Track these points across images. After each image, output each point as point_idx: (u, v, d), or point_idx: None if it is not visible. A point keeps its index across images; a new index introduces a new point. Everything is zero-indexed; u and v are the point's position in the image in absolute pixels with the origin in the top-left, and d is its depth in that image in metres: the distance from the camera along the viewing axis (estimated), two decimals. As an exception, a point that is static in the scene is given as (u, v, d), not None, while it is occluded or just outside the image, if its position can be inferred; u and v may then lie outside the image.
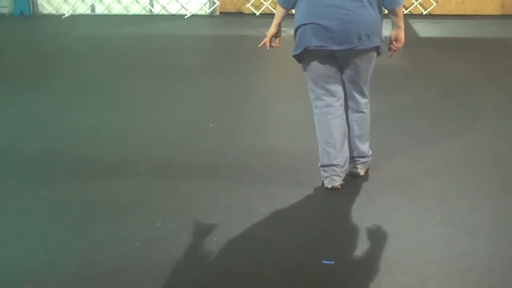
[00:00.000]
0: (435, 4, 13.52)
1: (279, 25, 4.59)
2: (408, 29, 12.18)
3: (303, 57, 4.46)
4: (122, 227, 4.11)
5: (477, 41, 11.16)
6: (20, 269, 3.64)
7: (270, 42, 4.61)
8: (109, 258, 3.73)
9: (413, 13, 13.63)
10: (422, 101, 6.99)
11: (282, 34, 4.61)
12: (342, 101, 4.58)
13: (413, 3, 13.59)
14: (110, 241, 3.92)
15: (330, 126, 4.54)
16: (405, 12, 13.58)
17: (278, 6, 4.56)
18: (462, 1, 13.75)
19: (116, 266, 3.64)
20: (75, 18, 13.90)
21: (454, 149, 5.46)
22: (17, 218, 4.29)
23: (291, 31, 4.47)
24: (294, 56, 4.50)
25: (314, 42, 4.33)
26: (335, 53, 4.38)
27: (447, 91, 7.44)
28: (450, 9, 13.73)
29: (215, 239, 3.90)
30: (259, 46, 4.69)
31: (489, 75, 8.31)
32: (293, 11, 4.52)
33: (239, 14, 13.80)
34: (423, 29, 12.26)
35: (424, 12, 13.57)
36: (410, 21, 12.97)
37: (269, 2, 13.39)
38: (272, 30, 4.59)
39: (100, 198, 4.58)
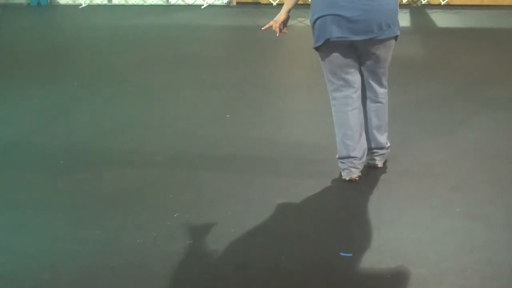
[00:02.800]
0: (453, -6, 13.40)
1: (289, 12, 4.56)
2: (426, 20, 12.11)
3: (322, 48, 4.42)
4: (139, 217, 4.13)
5: (495, 31, 11.05)
6: (38, 259, 3.67)
7: (280, 28, 4.57)
8: (126, 249, 3.75)
9: (431, 3, 13.51)
10: (440, 93, 6.93)
11: (298, 24, 4.57)
12: (359, 92, 4.55)
13: (431, -7, 13.47)
14: (127, 232, 3.94)
15: (348, 118, 4.51)
16: (423, 2, 13.49)
17: None
18: (481, -9, 13.61)
19: (133, 257, 3.66)
20: (92, 8, 13.90)
21: (471, 141, 5.41)
22: (35, 209, 4.31)
23: (307, 21, 4.43)
24: (315, 48, 4.47)
25: (335, 33, 4.30)
26: (355, 43, 4.35)
27: (465, 83, 7.36)
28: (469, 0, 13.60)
29: (232, 230, 3.90)
30: (262, 29, 4.68)
31: (505, 66, 8.23)
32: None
33: (256, 4, 13.72)
34: (441, 20, 12.15)
35: (443, 2, 13.44)
36: (428, 11, 12.87)
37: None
38: (282, 16, 4.55)
39: (117, 188, 4.59)
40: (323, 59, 4.51)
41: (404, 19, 11.94)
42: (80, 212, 4.24)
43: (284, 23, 4.62)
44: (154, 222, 4.04)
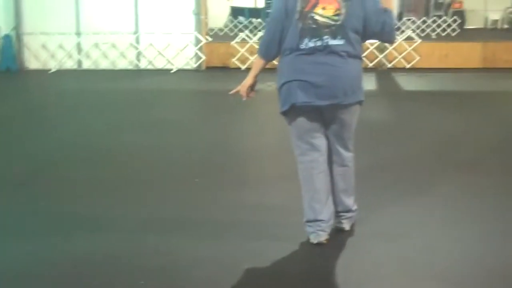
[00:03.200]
0: (418, 58, 13.71)
1: (256, 77, 4.65)
2: (392, 83, 12.36)
3: (289, 112, 4.50)
4: (107, 285, 4.07)
5: (459, 94, 11.32)
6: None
7: (247, 93, 4.65)
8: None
9: (397, 66, 13.81)
10: (406, 155, 7.04)
11: (267, 88, 4.65)
12: (326, 156, 4.61)
13: (396, 57, 13.78)
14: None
15: (315, 181, 4.56)
16: (389, 66, 13.78)
17: (258, 58, 4.64)
18: (445, 55, 13.97)
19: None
20: (62, 73, 13.98)
21: (438, 203, 5.48)
22: None
23: (275, 85, 4.52)
24: (281, 113, 4.54)
25: (300, 98, 4.39)
26: (320, 108, 4.43)
27: (430, 145, 7.50)
28: (433, 63, 13.94)
29: (200, 297, 3.88)
30: (230, 93, 4.74)
31: (471, 128, 8.41)
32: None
33: (225, 68, 13.94)
34: (407, 83, 12.43)
35: (408, 66, 13.75)
36: (394, 74, 13.15)
37: (254, 56, 13.49)
38: (248, 81, 4.63)
39: (84, 255, 4.53)
40: (289, 124, 4.58)
41: (370, 83, 12.17)
42: (46, 279, 4.18)
43: (251, 87, 4.69)
44: (123, 289, 4.00)
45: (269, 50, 4.56)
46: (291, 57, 4.43)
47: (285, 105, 4.46)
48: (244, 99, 4.71)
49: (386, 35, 4.56)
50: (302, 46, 4.36)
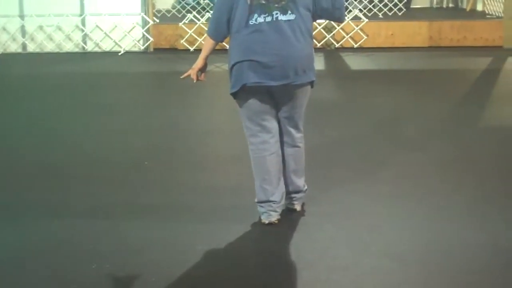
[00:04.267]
0: (365, 37, 13.82)
1: (206, 59, 4.62)
2: (340, 62, 12.44)
3: (239, 94, 4.49)
4: (57, 269, 4.04)
5: (406, 72, 11.46)
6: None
7: (197, 76, 4.62)
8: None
9: (345, 46, 13.89)
10: (355, 133, 7.11)
11: (216, 69, 4.62)
12: (277, 137, 4.62)
13: (344, 37, 13.86)
14: (44, 285, 3.84)
15: (266, 163, 4.57)
16: (337, 45, 13.85)
17: (207, 38, 4.59)
18: (392, 34, 14.11)
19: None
20: (6, 57, 13.69)
21: (388, 181, 5.56)
22: None
23: (224, 67, 4.49)
24: (232, 94, 4.53)
25: (251, 79, 4.38)
26: (271, 89, 4.43)
27: (380, 123, 7.59)
28: (380, 42, 14.07)
29: (153, 279, 3.86)
30: (181, 77, 4.72)
31: (418, 106, 8.53)
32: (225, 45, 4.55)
33: (173, 50, 13.83)
34: (355, 62, 12.53)
35: (355, 46, 13.84)
36: (342, 54, 13.23)
37: (203, 37, 13.44)
38: (199, 63, 4.60)
39: (34, 241, 4.47)
40: (240, 106, 4.57)
41: (318, 62, 12.22)
42: (-3, 266, 4.13)
43: (202, 70, 4.66)
44: (72, 275, 3.95)
45: (218, 30, 4.52)
46: (241, 36, 4.40)
47: (236, 86, 4.45)
48: (195, 81, 4.68)
49: (337, 12, 4.52)
50: (252, 22, 4.32)
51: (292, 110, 4.56)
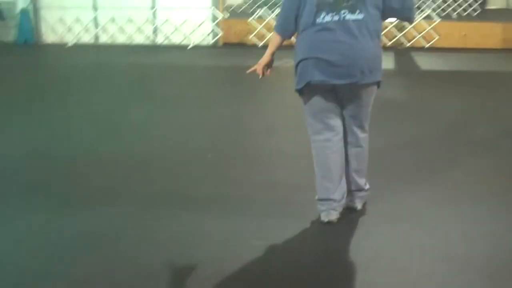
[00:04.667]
0: (437, 37, 13.55)
1: (273, 54, 4.58)
2: (410, 62, 12.23)
3: (304, 91, 4.44)
4: (114, 256, 4.08)
5: (478, 74, 11.17)
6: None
7: (263, 71, 4.59)
8: (100, 290, 3.69)
9: (416, 45, 13.66)
10: (421, 134, 6.96)
11: (285, 65, 4.56)
12: (341, 135, 4.54)
13: (415, 36, 13.63)
14: (101, 271, 3.88)
15: (328, 161, 4.50)
16: (408, 45, 13.64)
17: (275, 35, 4.56)
18: (464, 35, 13.80)
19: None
20: (79, 48, 13.96)
21: (450, 183, 5.42)
22: (7, 244, 4.25)
23: (292, 63, 4.45)
24: (296, 90, 4.49)
25: (316, 77, 4.32)
26: (336, 88, 4.36)
27: (447, 125, 7.41)
28: (452, 43, 13.77)
29: (207, 273, 3.84)
30: (247, 72, 4.70)
31: (489, 108, 8.30)
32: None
33: (242, 45, 13.84)
34: (425, 62, 12.29)
35: (426, 45, 13.59)
36: (412, 53, 13.00)
37: (272, 33, 13.41)
38: (265, 59, 4.57)
39: (95, 225, 4.53)
40: (304, 102, 4.52)
41: (388, 61, 12.05)
42: (56, 248, 4.18)
43: (268, 65, 4.63)
44: (129, 261, 3.98)
45: (286, 26, 4.49)
46: (308, 34, 4.34)
47: (301, 83, 4.40)
48: (260, 77, 4.66)
49: (406, 12, 4.44)
50: (319, 20, 4.27)
51: (357, 109, 4.47)
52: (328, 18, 4.24)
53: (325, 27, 4.25)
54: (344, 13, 4.23)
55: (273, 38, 4.60)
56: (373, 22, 4.29)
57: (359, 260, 4.03)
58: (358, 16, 4.24)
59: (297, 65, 4.40)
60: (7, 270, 3.91)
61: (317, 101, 4.43)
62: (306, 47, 4.34)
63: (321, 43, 4.27)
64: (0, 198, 5.14)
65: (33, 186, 5.35)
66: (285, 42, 4.59)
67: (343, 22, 4.23)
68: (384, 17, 4.44)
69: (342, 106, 4.47)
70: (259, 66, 4.60)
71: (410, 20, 4.67)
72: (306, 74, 4.34)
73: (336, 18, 4.24)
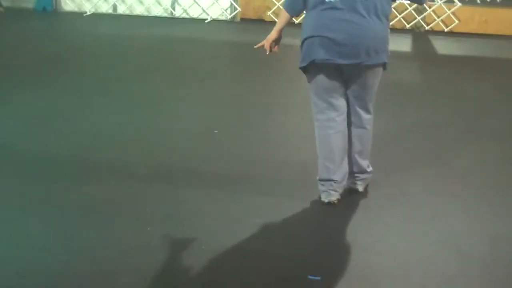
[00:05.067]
0: (457, 22, 13.38)
1: (281, 31, 4.58)
2: (428, 46, 12.10)
3: (309, 69, 4.42)
4: (112, 230, 4.10)
5: (496, 61, 11.02)
6: (4, 265, 3.62)
7: (270, 47, 4.57)
8: (95, 261, 3.72)
9: (435, 29, 13.50)
10: (434, 120, 6.89)
11: (299, 43, 4.52)
12: (344, 116, 4.52)
13: (434, 20, 13.48)
14: (98, 244, 3.91)
15: (331, 141, 4.48)
16: (427, 28, 13.48)
17: (283, 11, 4.56)
18: (485, 20, 13.60)
19: (101, 269, 3.62)
20: (97, 17, 13.93)
21: (458, 170, 5.38)
22: (9, 215, 4.28)
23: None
24: (300, 68, 4.46)
25: (321, 55, 4.29)
26: (341, 67, 4.33)
27: (461, 111, 7.33)
28: (473, 28, 13.56)
29: (203, 247, 3.86)
30: (255, 47, 4.69)
31: (504, 96, 8.19)
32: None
33: (260, 21, 13.73)
34: (443, 46, 12.14)
35: (446, 30, 13.44)
36: (431, 37, 12.86)
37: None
38: (273, 35, 4.58)
39: (95, 199, 4.55)
40: (309, 81, 4.50)
41: (405, 44, 11.96)
42: (54, 221, 4.20)
43: (276, 41, 4.63)
44: (126, 235, 4.00)
45: (294, 5, 4.48)
46: (315, 12, 4.32)
47: (305, 61, 4.38)
48: (268, 53, 4.65)
49: None
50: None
51: (361, 90, 4.44)
52: None
53: (333, 6, 4.22)
54: None
55: (281, 15, 4.60)
56: (382, 3, 4.25)
57: (357, 242, 4.03)
58: None
59: (302, 43, 4.38)
60: (6, 241, 3.94)
61: (322, 80, 4.40)
62: (312, 25, 4.32)
63: (328, 22, 4.24)
64: (1, 165, 5.17)
65: (35, 157, 5.36)
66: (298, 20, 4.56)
67: (351, 2, 4.20)
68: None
69: (346, 86, 4.44)
70: (266, 42, 4.61)
71: (421, 2, 4.63)
72: (311, 52, 4.31)
73: None
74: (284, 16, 4.55)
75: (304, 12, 4.47)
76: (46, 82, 7.96)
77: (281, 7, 4.69)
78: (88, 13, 14.17)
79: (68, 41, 11.25)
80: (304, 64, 4.39)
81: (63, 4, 14.61)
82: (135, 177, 4.97)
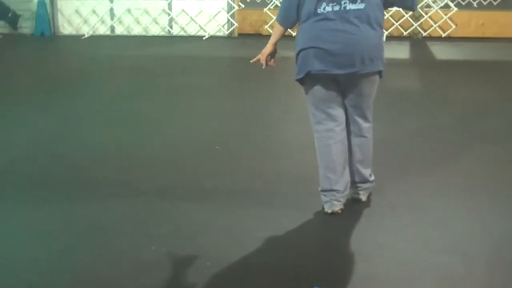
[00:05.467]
0: (454, 26, 13.41)
1: (276, 44, 4.59)
2: (426, 52, 12.13)
3: (305, 81, 4.44)
4: (117, 249, 4.09)
5: (495, 64, 11.04)
6: (9, 290, 3.63)
7: (266, 61, 4.59)
8: (100, 281, 3.70)
9: (432, 35, 13.53)
10: (433, 125, 6.90)
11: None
12: (343, 125, 4.52)
13: (431, 26, 13.50)
14: (103, 264, 3.89)
15: (331, 151, 4.48)
16: (424, 34, 13.52)
17: (277, 25, 4.58)
18: (482, 24, 13.63)
19: (107, 289, 3.61)
20: (95, 39, 14.01)
21: (460, 175, 5.37)
22: (11, 238, 4.27)
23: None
24: (297, 80, 4.47)
25: (316, 66, 4.31)
26: (337, 77, 4.35)
27: (460, 116, 7.34)
28: (470, 32, 13.61)
29: (208, 263, 3.85)
30: (251, 61, 4.71)
31: (504, 100, 8.19)
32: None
33: (258, 35, 13.79)
34: (441, 52, 12.17)
35: (443, 35, 13.46)
36: (428, 43, 12.89)
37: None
38: (268, 48, 4.59)
39: (99, 218, 4.55)
40: (306, 92, 4.51)
41: (403, 51, 11.99)
42: (58, 241, 4.20)
43: (271, 55, 4.64)
44: (131, 255, 3.99)
45: (287, 17, 4.50)
46: (308, 24, 4.35)
47: (301, 73, 4.40)
48: (264, 67, 4.66)
49: (409, 1, 4.46)
50: (320, 10, 4.26)
51: (359, 99, 4.45)
52: (329, 8, 4.24)
53: (325, 17, 4.24)
54: (345, 3, 4.22)
55: (275, 28, 4.63)
56: (374, 12, 4.27)
57: (362, 251, 4.01)
58: (359, 5, 4.23)
59: (297, 55, 4.40)
60: (8, 263, 3.93)
61: (318, 90, 4.42)
62: (306, 37, 4.34)
63: (321, 33, 4.26)
64: (5, 188, 5.18)
65: (39, 178, 5.37)
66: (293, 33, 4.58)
67: (343, 12, 4.22)
68: (386, 6, 4.43)
69: (343, 95, 4.45)
70: (262, 56, 4.63)
71: (413, 9, 4.67)
72: (307, 63, 4.33)
73: (336, 8, 4.23)
74: (278, 29, 4.57)
75: (298, 24, 4.49)
76: (46, 103, 8.00)
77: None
78: (86, 35, 14.25)
79: (67, 63, 11.31)
80: (300, 76, 4.40)
81: (61, 28, 14.70)
82: (137, 196, 4.97)
